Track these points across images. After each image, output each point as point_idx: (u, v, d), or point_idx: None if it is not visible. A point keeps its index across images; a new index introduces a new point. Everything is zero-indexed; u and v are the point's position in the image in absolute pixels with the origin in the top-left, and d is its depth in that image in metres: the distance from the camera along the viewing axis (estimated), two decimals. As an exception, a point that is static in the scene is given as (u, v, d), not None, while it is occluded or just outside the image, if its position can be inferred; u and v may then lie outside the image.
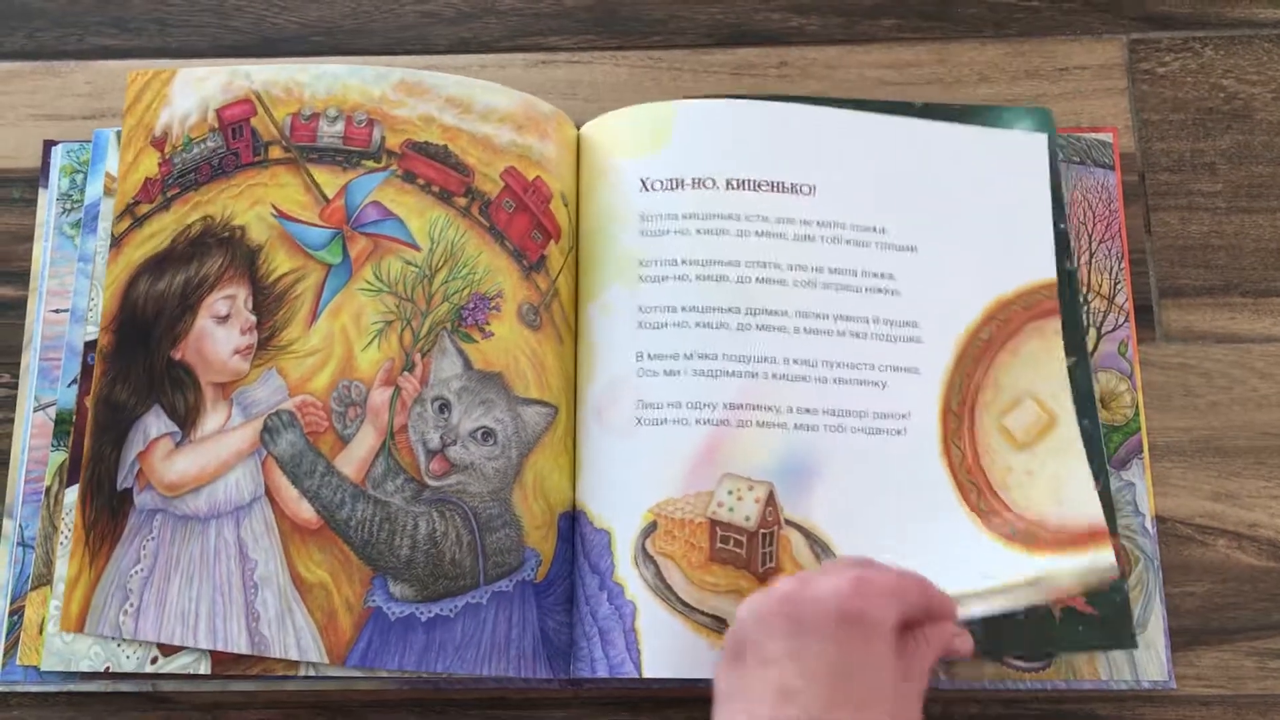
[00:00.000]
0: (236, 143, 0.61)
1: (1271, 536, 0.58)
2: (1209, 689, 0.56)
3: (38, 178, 0.64)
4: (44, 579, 0.58)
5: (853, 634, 0.45)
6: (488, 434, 0.56)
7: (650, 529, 0.56)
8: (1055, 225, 0.61)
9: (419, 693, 0.57)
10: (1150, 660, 0.56)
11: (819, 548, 0.56)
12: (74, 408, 0.60)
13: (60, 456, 0.59)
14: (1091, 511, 0.57)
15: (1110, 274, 0.61)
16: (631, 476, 0.56)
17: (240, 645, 0.55)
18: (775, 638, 0.46)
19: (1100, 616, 0.56)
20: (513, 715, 0.57)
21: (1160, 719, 0.56)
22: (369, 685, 0.56)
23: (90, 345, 0.60)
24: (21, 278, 0.63)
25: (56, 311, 0.62)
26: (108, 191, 0.63)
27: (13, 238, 0.64)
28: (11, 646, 0.57)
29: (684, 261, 0.58)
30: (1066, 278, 0.60)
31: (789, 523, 0.56)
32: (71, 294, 0.62)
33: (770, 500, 0.56)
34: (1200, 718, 0.56)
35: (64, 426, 0.60)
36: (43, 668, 0.56)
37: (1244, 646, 0.57)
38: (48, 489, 0.59)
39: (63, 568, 0.57)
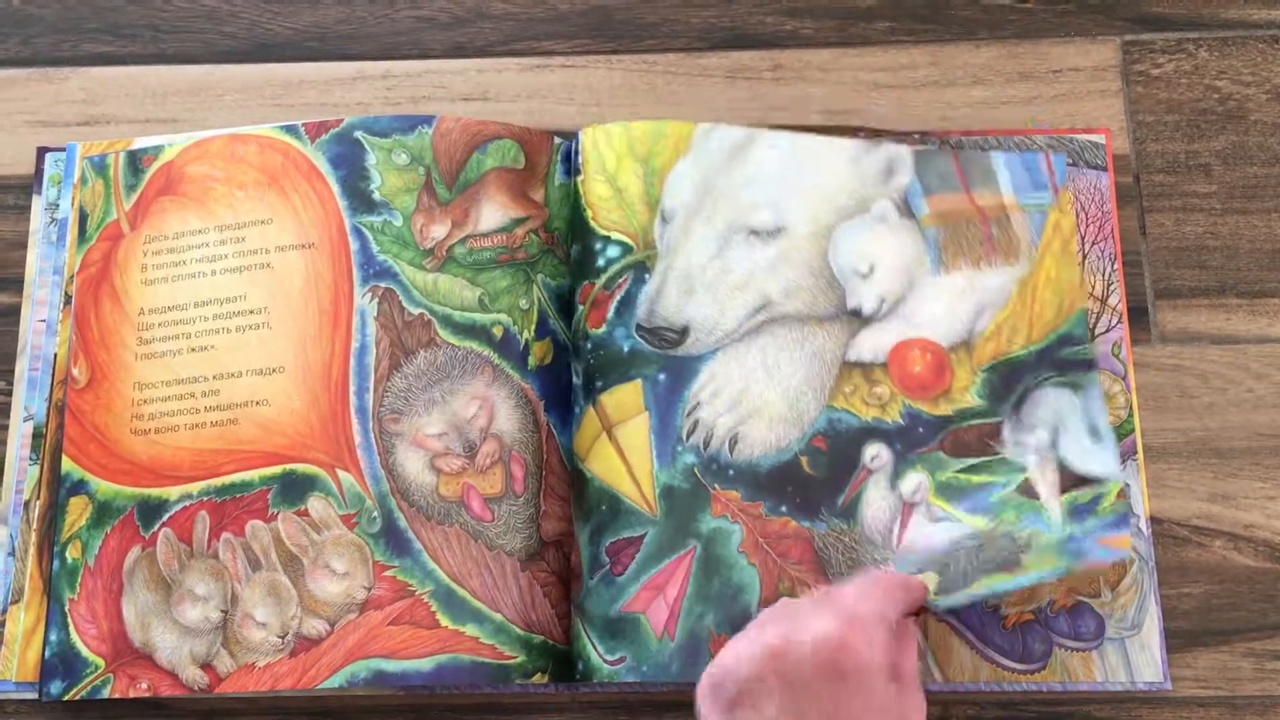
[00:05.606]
0: None
1: (1268, 537, 0.58)
2: (1206, 690, 0.56)
3: (31, 185, 0.64)
4: (23, 593, 0.57)
5: (846, 686, 0.45)
6: None
7: None
8: None
9: (415, 698, 0.57)
10: (1146, 662, 0.56)
11: None
12: (45, 421, 0.59)
13: (37, 471, 0.59)
14: None
15: (1103, 275, 0.61)
16: None
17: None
18: (769, 696, 0.45)
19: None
20: (509, 720, 0.57)
21: (1157, 721, 0.56)
22: (366, 691, 0.56)
23: (62, 357, 0.60)
24: (16, 284, 0.63)
25: (42, 321, 0.61)
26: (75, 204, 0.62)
27: (8, 245, 0.64)
28: (5, 655, 0.57)
29: None
30: None
31: None
32: (48, 305, 0.61)
33: None
34: (1197, 719, 0.56)
35: (40, 440, 0.59)
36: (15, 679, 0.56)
37: (1241, 647, 0.57)
38: (26, 502, 0.59)
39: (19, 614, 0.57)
